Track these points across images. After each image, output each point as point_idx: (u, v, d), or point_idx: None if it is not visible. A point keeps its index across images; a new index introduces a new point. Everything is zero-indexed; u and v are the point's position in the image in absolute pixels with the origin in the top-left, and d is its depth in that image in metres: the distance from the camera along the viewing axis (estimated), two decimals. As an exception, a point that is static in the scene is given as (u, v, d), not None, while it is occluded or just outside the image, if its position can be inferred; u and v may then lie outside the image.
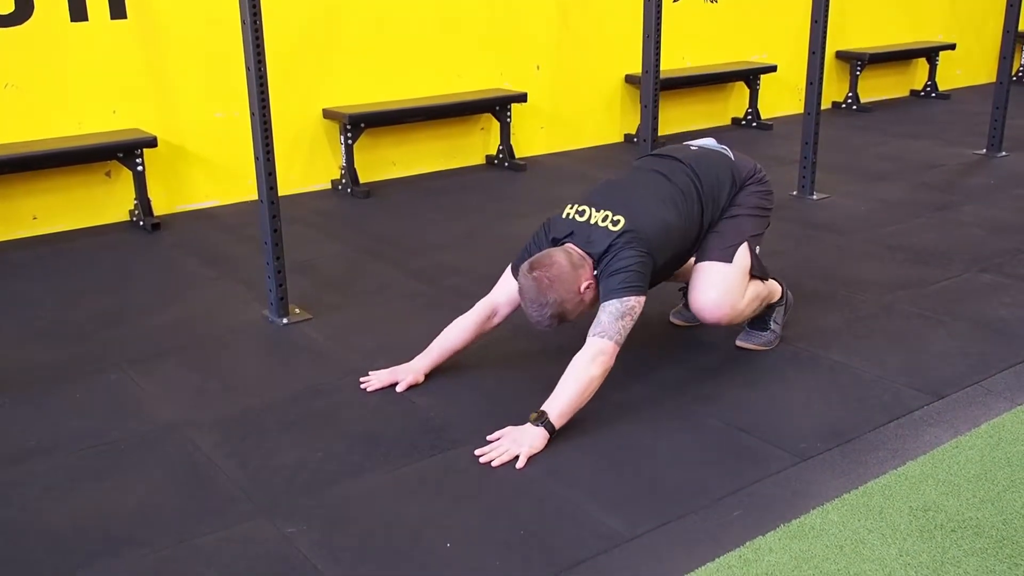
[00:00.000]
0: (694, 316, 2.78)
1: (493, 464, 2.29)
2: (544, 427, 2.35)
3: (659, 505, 2.13)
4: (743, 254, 2.68)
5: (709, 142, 2.88)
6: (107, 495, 2.22)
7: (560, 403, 2.36)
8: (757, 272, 2.73)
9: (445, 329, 2.72)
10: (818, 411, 2.55)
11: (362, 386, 2.71)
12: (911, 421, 2.49)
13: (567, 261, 2.44)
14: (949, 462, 2.29)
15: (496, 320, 2.69)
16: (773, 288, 2.89)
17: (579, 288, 2.44)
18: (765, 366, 2.82)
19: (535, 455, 2.32)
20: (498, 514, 2.11)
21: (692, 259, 2.76)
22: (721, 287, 2.65)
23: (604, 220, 2.51)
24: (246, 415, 2.58)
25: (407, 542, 2.02)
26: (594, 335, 2.41)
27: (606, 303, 2.43)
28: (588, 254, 2.49)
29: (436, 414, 2.57)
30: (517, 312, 2.62)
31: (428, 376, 2.72)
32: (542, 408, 2.37)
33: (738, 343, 2.92)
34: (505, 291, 2.65)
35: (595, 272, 2.49)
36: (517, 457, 2.30)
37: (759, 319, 2.91)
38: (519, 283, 2.48)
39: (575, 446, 2.37)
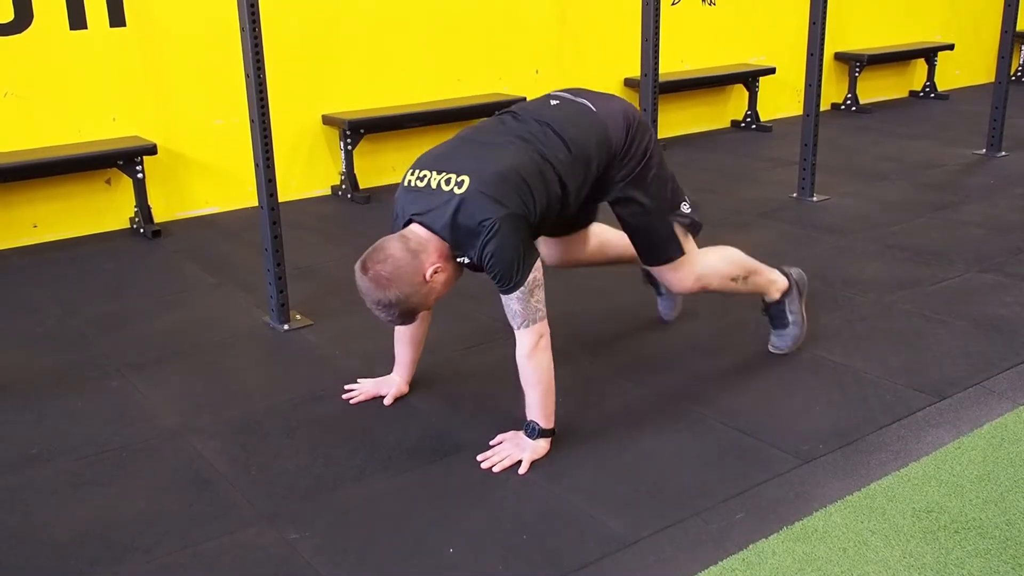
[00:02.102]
0: (667, 306, 2.97)
1: (495, 469, 2.29)
2: (542, 436, 2.34)
3: (661, 508, 2.13)
4: (679, 236, 2.55)
5: (565, 95, 2.50)
6: (109, 501, 2.22)
7: (537, 407, 2.33)
8: (692, 230, 2.58)
9: (396, 338, 2.65)
10: (820, 412, 2.55)
11: (344, 397, 2.67)
12: (913, 422, 2.49)
13: (404, 250, 2.19)
14: (952, 463, 2.29)
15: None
16: (764, 271, 2.79)
17: (423, 277, 2.20)
18: (766, 368, 2.82)
19: (537, 460, 2.31)
20: (500, 519, 2.11)
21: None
22: (676, 271, 2.60)
23: (448, 183, 2.21)
24: (247, 421, 2.58)
25: (409, 547, 2.02)
26: (518, 328, 2.26)
27: (509, 295, 2.23)
28: (436, 232, 2.22)
29: (437, 419, 2.57)
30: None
31: (428, 383, 2.72)
32: (527, 420, 2.35)
33: (771, 349, 2.90)
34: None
35: (453, 250, 2.25)
36: (519, 463, 2.29)
37: (775, 316, 2.86)
38: (357, 284, 2.22)
39: (576, 450, 2.37)
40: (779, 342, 2.89)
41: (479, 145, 2.33)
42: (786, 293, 2.85)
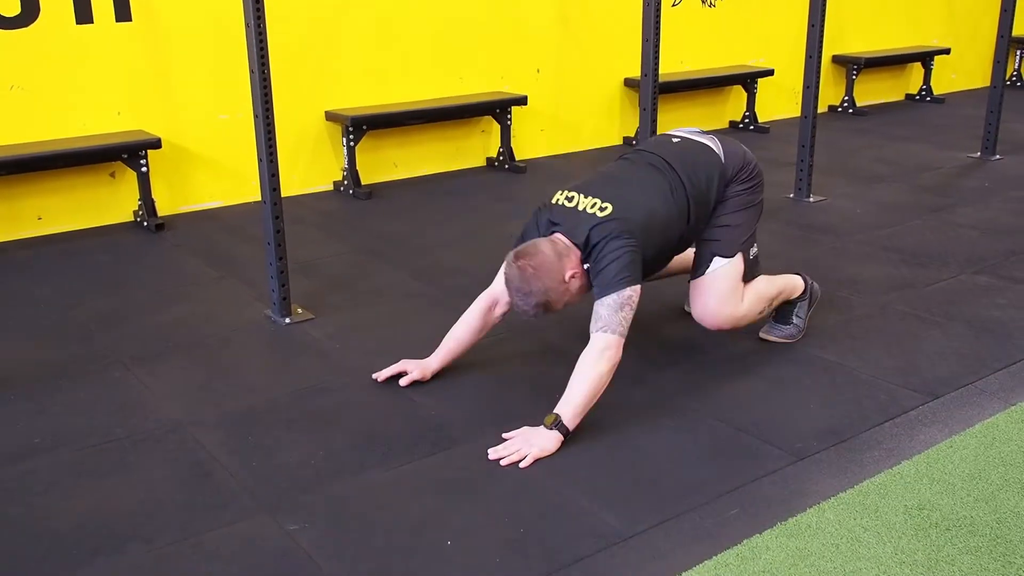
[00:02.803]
0: (781, 331, 3.00)
1: (502, 463, 2.31)
2: (559, 430, 2.37)
3: (657, 503, 2.16)
4: (736, 263, 2.73)
5: (693, 131, 2.86)
6: (110, 492, 2.24)
7: (573, 404, 2.38)
8: (748, 278, 2.78)
9: (452, 328, 2.74)
10: (815, 411, 2.58)
11: (373, 376, 2.75)
12: (906, 421, 2.52)
13: (552, 250, 2.44)
14: (944, 461, 2.31)
15: (499, 311, 2.70)
16: (787, 285, 2.93)
17: (564, 277, 2.44)
18: (762, 366, 2.85)
19: (543, 457, 2.34)
20: (498, 512, 2.14)
21: (692, 252, 2.82)
22: (716, 298, 2.72)
23: (592, 207, 2.51)
24: (249, 413, 2.61)
25: (408, 539, 2.05)
26: (597, 331, 2.41)
27: (603, 298, 2.43)
28: (575, 243, 2.49)
29: (437, 413, 2.59)
30: (516, 314, 2.64)
31: (431, 376, 2.75)
32: (555, 411, 2.39)
33: (761, 335, 3.00)
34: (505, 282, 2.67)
35: (584, 262, 2.49)
36: (524, 463, 2.32)
37: (782, 313, 2.98)
38: (505, 272, 2.48)
39: (575, 445, 2.39)
40: (773, 332, 3.00)
41: (622, 179, 2.65)
42: (800, 297, 2.98)
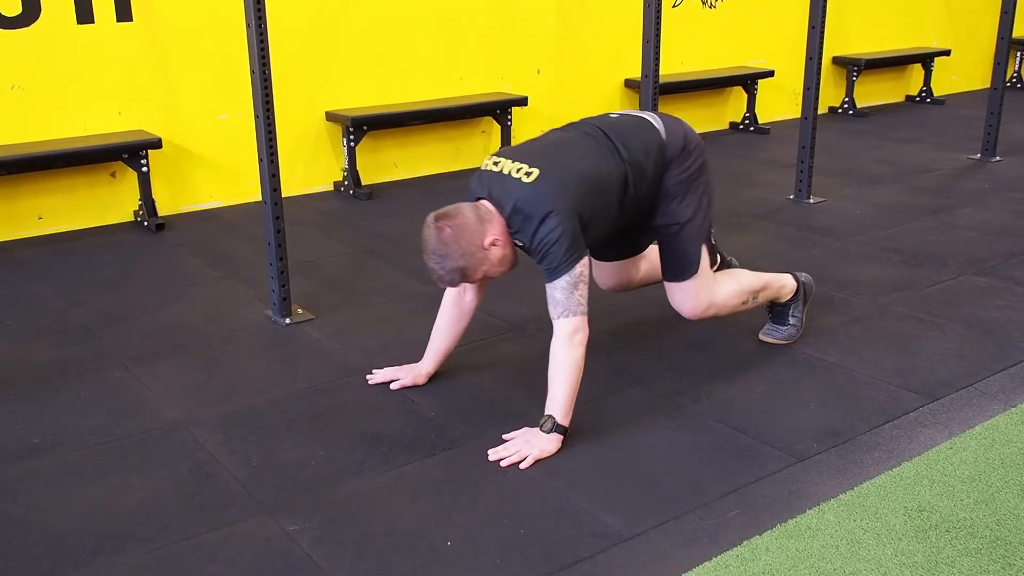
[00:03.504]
0: (779, 333, 3.01)
1: (502, 464, 2.31)
2: (556, 431, 2.37)
3: (657, 504, 2.16)
4: (703, 258, 2.66)
5: (633, 111, 2.75)
6: (110, 492, 2.24)
7: (560, 401, 2.37)
8: (713, 261, 2.72)
9: (433, 328, 2.72)
10: (814, 412, 2.58)
11: (367, 378, 2.75)
12: (906, 422, 2.52)
13: (474, 214, 2.35)
14: (944, 463, 2.32)
15: (470, 297, 2.64)
16: (774, 282, 2.90)
17: (484, 243, 2.34)
18: (762, 367, 2.85)
19: (544, 458, 2.34)
20: (498, 513, 2.14)
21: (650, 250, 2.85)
22: (691, 294, 2.68)
23: (518, 171, 2.39)
24: (249, 414, 2.61)
25: (407, 540, 2.05)
26: (558, 317, 2.36)
27: (554, 281, 2.34)
28: (501, 212, 2.38)
29: (437, 414, 2.59)
30: (515, 314, 2.63)
31: (430, 377, 2.75)
32: (546, 413, 2.39)
33: (761, 337, 3.01)
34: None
35: (512, 231, 2.39)
36: (524, 465, 2.32)
37: (778, 314, 2.99)
38: (423, 235, 2.36)
39: (574, 446, 2.39)
40: (773, 334, 3.01)
41: (551, 144, 2.54)
42: (794, 297, 2.97)
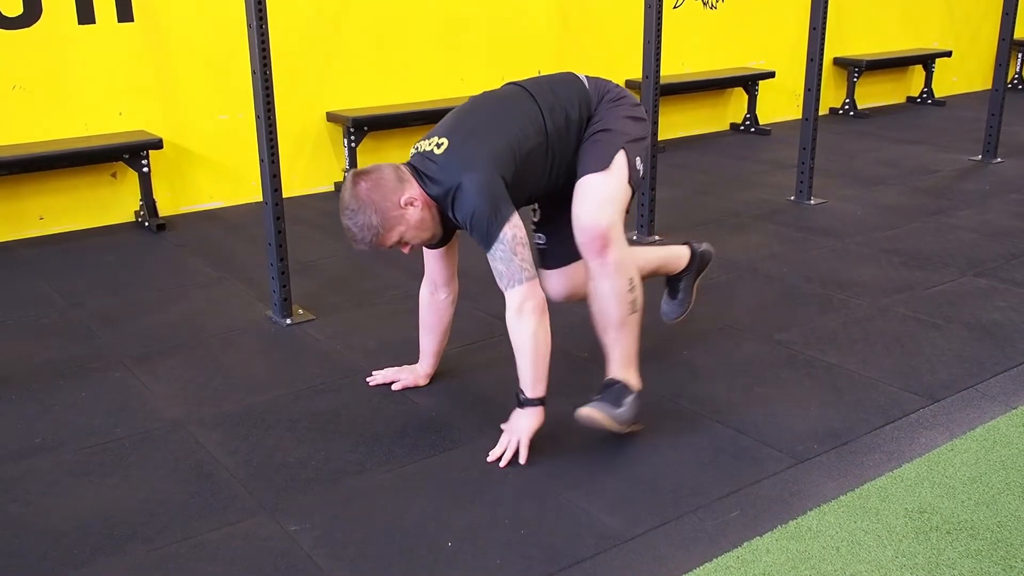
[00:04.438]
0: (674, 309, 2.93)
1: (501, 464, 2.31)
2: (529, 405, 2.32)
3: (657, 505, 2.16)
4: (620, 162, 2.40)
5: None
6: (111, 492, 2.24)
7: (524, 375, 2.31)
8: (634, 183, 2.44)
9: (420, 330, 2.71)
10: (815, 413, 2.58)
11: (367, 379, 2.76)
12: (907, 424, 2.52)
13: (393, 174, 2.29)
14: (944, 465, 2.32)
15: (443, 292, 2.63)
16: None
17: (399, 200, 2.27)
18: (762, 369, 2.85)
19: (537, 446, 2.30)
20: (498, 513, 2.14)
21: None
22: (595, 199, 2.35)
23: (431, 145, 2.34)
24: (249, 414, 2.61)
25: (408, 540, 2.05)
26: (506, 288, 2.27)
27: (491, 252, 2.26)
28: (425, 190, 2.32)
29: (437, 414, 2.59)
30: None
31: (430, 379, 2.75)
32: (517, 390, 2.34)
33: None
34: (428, 265, 2.62)
35: (438, 204, 2.33)
36: (522, 457, 2.31)
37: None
38: (340, 194, 2.32)
39: (573, 447, 2.40)
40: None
41: (462, 111, 2.45)
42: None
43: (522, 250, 2.26)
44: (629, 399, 2.39)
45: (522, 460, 2.31)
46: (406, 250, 2.42)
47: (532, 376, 2.32)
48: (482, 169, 2.26)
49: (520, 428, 2.34)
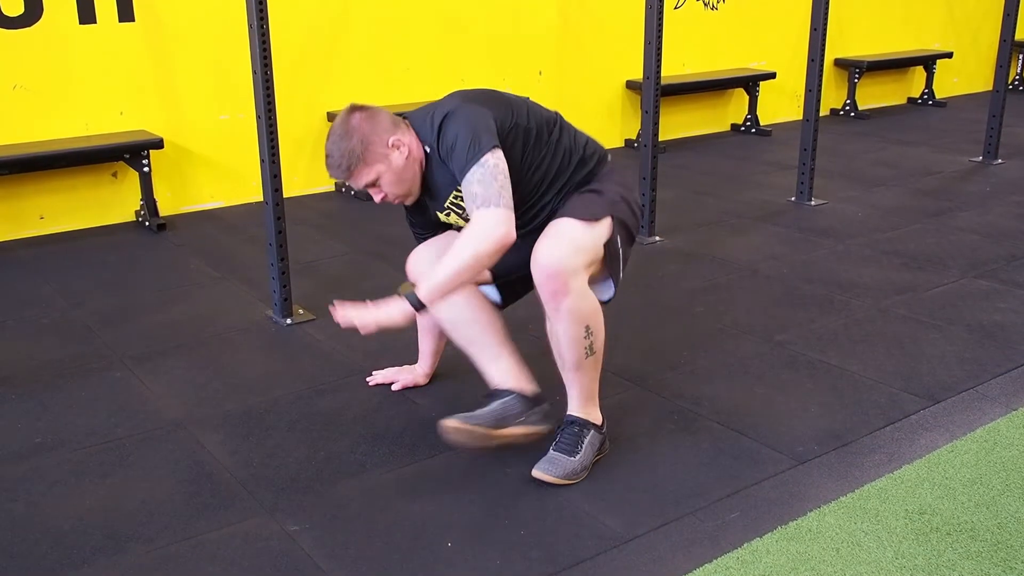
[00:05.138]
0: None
1: (336, 318, 2.15)
2: (410, 301, 2.12)
3: (657, 506, 2.16)
4: (606, 224, 2.22)
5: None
6: (111, 491, 2.24)
7: (438, 277, 2.11)
8: (609, 253, 2.23)
9: (418, 327, 2.69)
10: (815, 414, 2.58)
11: (367, 379, 2.76)
12: (907, 425, 2.52)
13: (390, 116, 2.23)
14: (945, 466, 2.32)
15: None
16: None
17: (389, 141, 2.18)
18: (762, 370, 2.85)
19: (384, 326, 2.16)
20: (498, 514, 2.14)
21: None
22: (569, 238, 2.13)
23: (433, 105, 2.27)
24: (250, 414, 2.61)
25: (408, 541, 2.05)
26: (478, 207, 2.07)
27: (468, 177, 2.09)
28: (416, 131, 2.25)
29: (438, 415, 2.58)
30: (516, 315, 2.63)
31: (431, 378, 2.75)
32: (414, 284, 2.16)
33: (535, 473, 2.25)
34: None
35: (425, 149, 2.24)
36: (361, 329, 2.16)
37: (572, 441, 2.26)
38: (333, 122, 2.25)
39: (575, 447, 2.40)
40: (547, 468, 2.24)
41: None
42: (604, 425, 2.36)
43: (503, 180, 2.09)
44: (587, 439, 2.26)
45: (361, 331, 2.14)
46: (377, 198, 2.28)
47: (441, 285, 2.11)
48: (474, 105, 2.18)
49: (383, 312, 2.13)
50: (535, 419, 2.30)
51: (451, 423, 2.22)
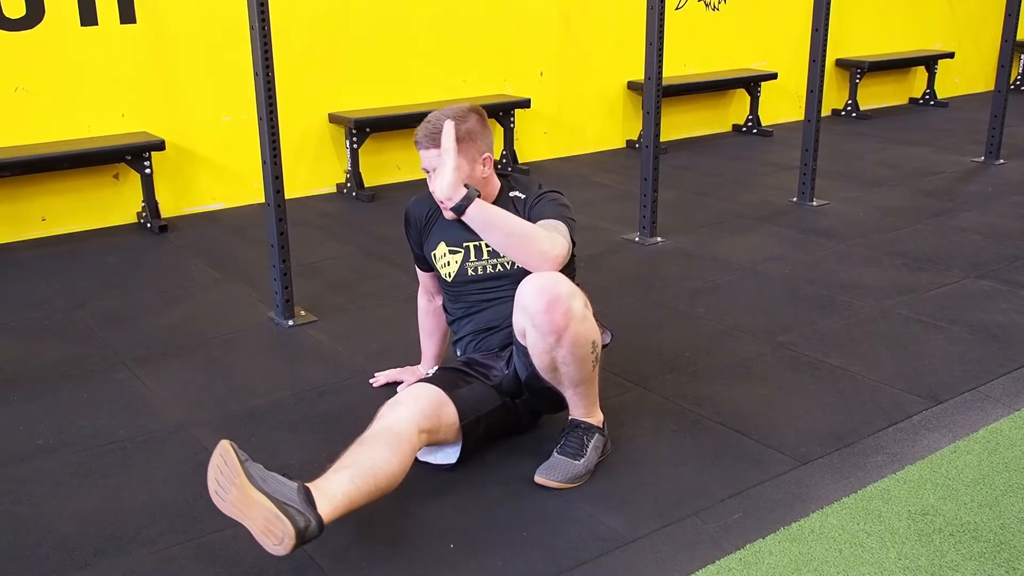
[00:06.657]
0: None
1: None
2: (467, 194, 2.16)
3: (660, 507, 2.16)
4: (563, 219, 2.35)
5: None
6: (113, 493, 2.24)
7: (494, 211, 2.18)
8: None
9: (420, 333, 2.72)
10: (817, 415, 2.58)
11: (371, 381, 2.76)
12: (910, 426, 2.51)
13: (492, 142, 2.38)
14: (947, 467, 2.31)
15: (440, 298, 2.62)
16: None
17: (484, 152, 2.34)
18: (764, 371, 2.85)
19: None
20: (501, 515, 2.14)
21: None
22: (554, 278, 2.15)
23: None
24: (251, 415, 2.61)
25: (411, 542, 2.05)
26: (562, 235, 2.21)
27: (554, 222, 2.25)
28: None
29: (440, 416, 2.59)
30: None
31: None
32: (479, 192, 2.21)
33: (537, 478, 2.26)
34: (422, 278, 2.62)
35: (513, 193, 2.41)
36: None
37: (576, 445, 2.27)
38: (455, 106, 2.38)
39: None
40: (550, 473, 2.25)
41: None
42: (605, 426, 2.37)
43: (570, 233, 2.27)
44: (591, 443, 2.28)
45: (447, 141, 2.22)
46: (432, 186, 2.29)
47: (495, 214, 2.17)
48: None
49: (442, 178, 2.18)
50: None
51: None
